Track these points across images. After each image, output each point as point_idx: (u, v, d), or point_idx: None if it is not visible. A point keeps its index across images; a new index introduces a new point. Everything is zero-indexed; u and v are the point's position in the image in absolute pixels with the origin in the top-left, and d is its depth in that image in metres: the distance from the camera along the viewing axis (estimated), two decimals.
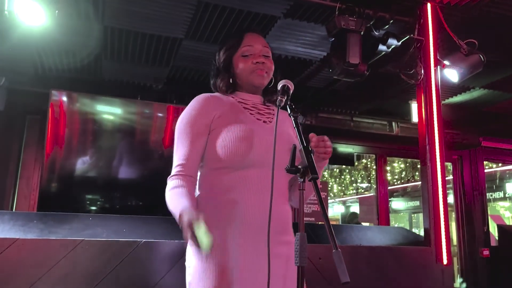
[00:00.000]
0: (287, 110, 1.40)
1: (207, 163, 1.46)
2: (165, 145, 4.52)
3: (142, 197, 4.46)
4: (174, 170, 1.43)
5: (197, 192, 1.48)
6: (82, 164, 4.23)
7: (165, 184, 1.40)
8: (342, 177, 12.61)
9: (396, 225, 12.51)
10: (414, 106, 4.81)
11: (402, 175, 11.41)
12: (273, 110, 1.59)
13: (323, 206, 1.23)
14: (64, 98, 4.14)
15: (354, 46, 2.74)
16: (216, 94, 1.58)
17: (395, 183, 11.42)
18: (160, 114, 4.53)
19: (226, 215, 1.39)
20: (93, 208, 4.35)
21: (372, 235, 2.51)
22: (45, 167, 4.08)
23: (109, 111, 4.34)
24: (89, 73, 4.26)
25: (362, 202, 10.78)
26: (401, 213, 12.90)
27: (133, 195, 4.48)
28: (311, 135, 1.42)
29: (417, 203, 10.78)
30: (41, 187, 4.09)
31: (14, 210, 4.16)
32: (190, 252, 1.40)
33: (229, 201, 1.40)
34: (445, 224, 2.73)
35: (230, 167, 1.42)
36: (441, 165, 2.81)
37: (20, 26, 2.48)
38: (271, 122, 1.53)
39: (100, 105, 4.30)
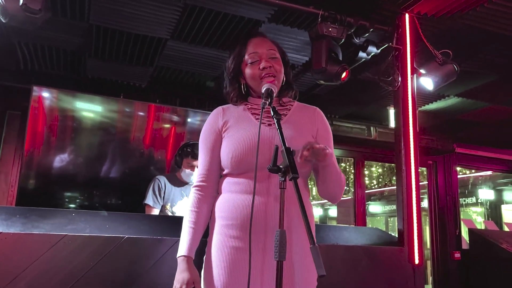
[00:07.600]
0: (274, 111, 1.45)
1: (221, 171, 1.61)
2: (145, 144, 4.51)
3: (121, 196, 4.45)
4: (197, 179, 1.60)
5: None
6: (61, 162, 4.19)
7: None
8: None
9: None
10: (391, 111, 4.95)
11: (380, 180, 11.62)
12: (286, 110, 1.68)
13: (302, 204, 1.30)
14: (44, 94, 4.07)
15: (318, 53, 2.84)
16: (229, 105, 1.68)
17: (373, 187, 11.62)
18: (141, 113, 4.49)
19: (229, 218, 1.51)
20: (72, 206, 4.32)
21: (348, 235, 2.59)
22: (24, 163, 4.03)
23: (90, 109, 4.30)
24: (73, 70, 4.25)
25: (340, 204, 10.91)
26: (378, 217, 13.13)
27: (112, 193, 4.47)
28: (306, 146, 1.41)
29: (394, 207, 10.99)
30: (20, 184, 4.04)
31: None
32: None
33: (231, 204, 1.52)
34: (417, 226, 2.84)
35: (234, 173, 1.55)
36: (415, 169, 2.93)
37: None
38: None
39: (81, 102, 4.25)
